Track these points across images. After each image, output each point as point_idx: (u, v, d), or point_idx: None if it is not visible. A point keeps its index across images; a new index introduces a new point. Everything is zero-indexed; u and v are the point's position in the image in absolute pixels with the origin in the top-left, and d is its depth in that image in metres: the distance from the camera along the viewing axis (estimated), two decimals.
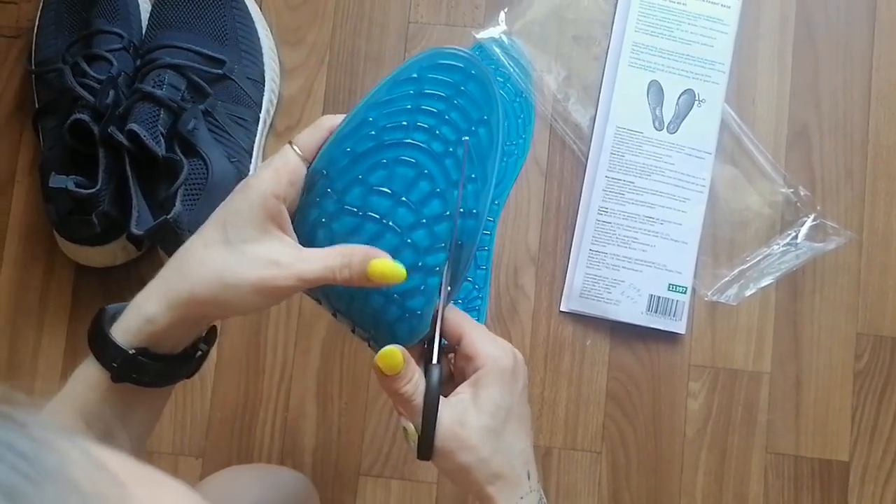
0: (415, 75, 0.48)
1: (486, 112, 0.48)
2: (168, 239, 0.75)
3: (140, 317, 0.46)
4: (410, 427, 0.49)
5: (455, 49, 0.48)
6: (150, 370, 0.46)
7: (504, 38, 0.84)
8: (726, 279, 0.83)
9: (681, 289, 0.82)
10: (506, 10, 0.85)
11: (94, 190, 0.73)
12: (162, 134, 0.75)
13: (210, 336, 0.51)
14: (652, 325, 0.82)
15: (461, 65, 0.48)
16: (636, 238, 0.82)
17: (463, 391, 0.49)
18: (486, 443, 0.48)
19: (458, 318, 0.51)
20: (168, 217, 0.72)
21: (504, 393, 0.49)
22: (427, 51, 0.48)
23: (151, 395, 0.48)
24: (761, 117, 0.85)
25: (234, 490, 0.68)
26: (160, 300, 0.46)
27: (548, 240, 0.84)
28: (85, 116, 0.74)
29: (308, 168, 0.49)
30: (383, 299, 0.49)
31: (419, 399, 0.48)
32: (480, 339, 0.50)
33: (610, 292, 0.82)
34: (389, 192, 0.48)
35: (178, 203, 0.73)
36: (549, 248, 0.84)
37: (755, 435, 0.82)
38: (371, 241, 0.48)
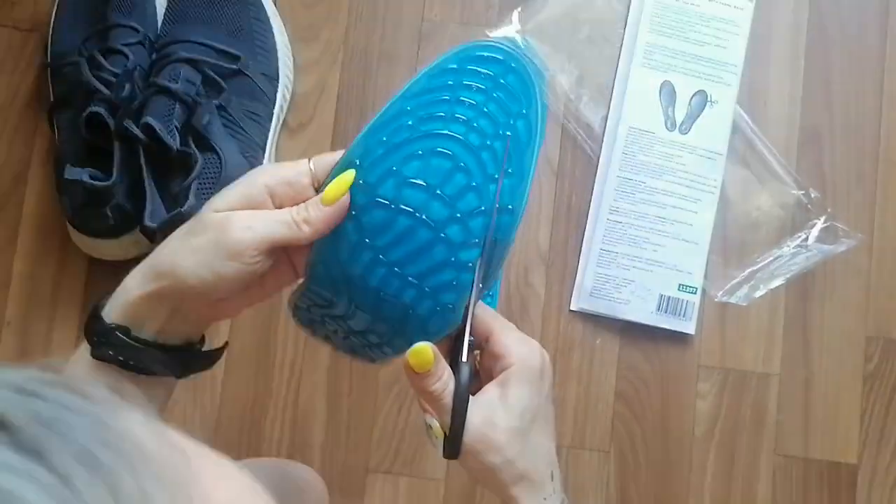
0: (454, 66, 0.47)
1: (525, 106, 0.47)
2: None
3: (121, 291, 0.46)
4: (436, 424, 0.48)
5: (495, 41, 0.48)
6: (126, 349, 0.46)
7: (517, 37, 0.85)
8: (736, 280, 0.83)
9: (691, 289, 0.82)
10: (519, 9, 0.85)
11: (108, 182, 0.73)
12: (176, 128, 0.75)
13: (218, 352, 0.51)
14: (662, 325, 0.82)
15: (501, 57, 0.47)
16: (647, 238, 0.82)
17: (491, 390, 0.48)
18: (513, 444, 0.47)
19: (487, 316, 0.50)
20: (182, 210, 0.72)
21: (532, 393, 0.48)
22: (467, 43, 0.47)
23: (147, 386, 0.48)
24: (773, 119, 0.85)
25: None
26: (137, 273, 0.46)
27: (558, 239, 0.84)
28: (101, 110, 0.74)
29: (340, 157, 0.48)
30: (416, 292, 0.48)
31: (448, 398, 0.47)
32: (510, 338, 0.49)
33: (620, 292, 0.82)
34: (424, 184, 0.46)
35: (191, 197, 0.74)
36: (559, 247, 0.84)
37: (764, 436, 0.82)
38: (403, 235, 0.47)
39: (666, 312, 0.82)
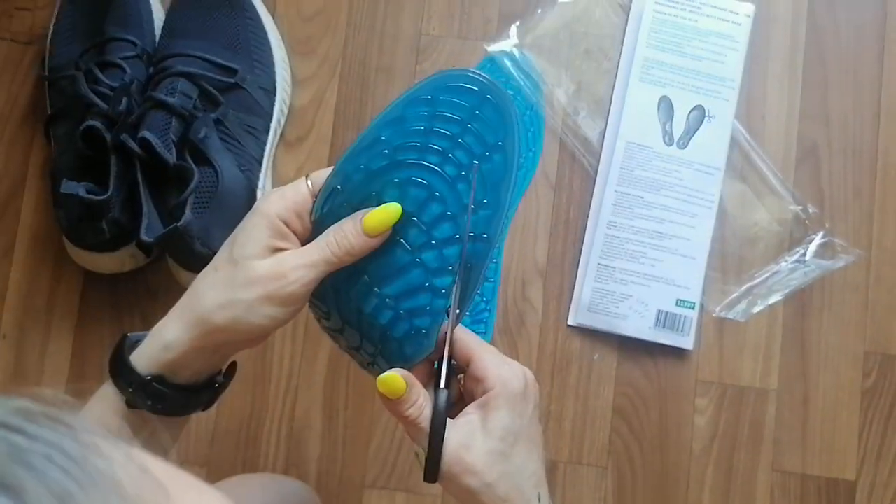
0: (428, 96, 0.47)
1: (502, 137, 0.48)
2: (177, 246, 0.75)
3: (158, 343, 0.47)
4: (421, 451, 0.49)
5: (470, 71, 0.47)
6: (165, 398, 0.47)
7: (515, 51, 0.85)
8: (734, 295, 0.83)
9: (689, 304, 0.82)
10: (517, 23, 0.85)
11: (105, 196, 0.73)
12: (173, 142, 0.75)
13: (230, 370, 0.52)
14: (659, 341, 0.82)
15: (476, 88, 0.47)
16: (645, 253, 0.82)
17: (471, 413, 0.49)
18: (492, 467, 0.47)
19: (468, 340, 0.50)
20: (178, 224, 0.72)
21: (514, 416, 0.48)
22: (442, 71, 0.48)
23: (169, 422, 0.49)
24: (771, 134, 0.85)
25: (240, 499, 0.68)
26: (177, 326, 0.46)
27: (556, 253, 0.84)
28: (97, 123, 0.74)
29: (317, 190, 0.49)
30: (392, 314, 0.49)
31: (425, 422, 0.47)
32: (490, 362, 0.49)
33: (618, 307, 0.82)
34: (402, 211, 0.48)
35: (188, 211, 0.74)
36: (557, 261, 0.84)
37: (762, 452, 0.81)
38: (383, 255, 0.48)
39: (664, 328, 0.82)
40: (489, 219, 0.48)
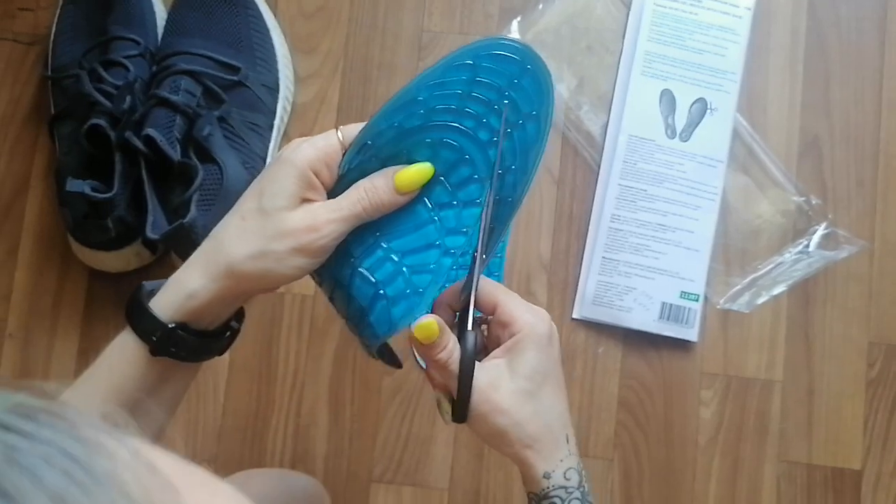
0: (470, 62, 0.48)
1: (537, 107, 0.49)
2: (183, 243, 0.75)
3: (181, 292, 0.47)
4: (443, 397, 0.50)
5: (513, 40, 0.48)
6: (188, 345, 0.47)
7: None
8: (738, 287, 0.83)
9: (693, 296, 0.82)
10: (519, 18, 0.85)
11: (110, 194, 0.73)
12: (177, 139, 0.76)
13: (239, 315, 0.52)
14: (664, 333, 0.82)
15: (517, 57, 0.48)
16: (648, 245, 0.82)
17: (498, 355, 0.50)
18: (521, 405, 0.48)
19: (490, 287, 0.51)
20: (183, 221, 0.72)
21: (541, 357, 0.49)
22: (486, 38, 0.49)
23: (184, 369, 0.50)
24: (773, 126, 0.85)
25: (248, 493, 0.68)
26: (202, 275, 0.46)
27: (560, 247, 0.84)
28: (102, 122, 0.74)
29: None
30: (392, 268, 0.50)
31: (454, 365, 0.48)
32: (516, 306, 0.50)
33: (622, 299, 0.82)
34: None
35: (192, 208, 0.74)
36: (561, 255, 0.84)
37: (767, 443, 0.82)
38: (403, 211, 0.49)
39: (668, 320, 0.82)
40: (515, 183, 0.49)
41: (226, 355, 0.82)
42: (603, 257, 0.82)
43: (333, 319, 0.82)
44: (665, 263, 0.82)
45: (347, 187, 0.48)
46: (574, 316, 0.83)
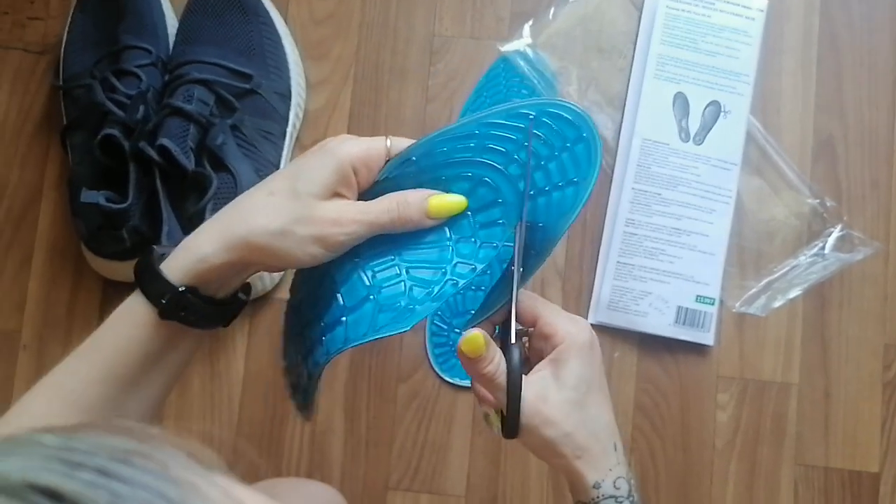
0: (532, 113, 0.49)
1: (583, 176, 0.49)
2: None
3: (192, 256, 0.47)
4: (492, 412, 0.50)
5: (577, 106, 0.49)
6: (196, 309, 0.47)
7: (528, 50, 0.84)
8: (753, 290, 0.83)
9: (709, 300, 0.82)
10: (530, 22, 0.85)
11: (125, 205, 0.73)
12: (191, 149, 0.75)
13: (245, 288, 0.52)
14: (680, 337, 0.82)
15: (578, 123, 0.49)
16: (663, 250, 0.82)
17: (543, 368, 0.50)
18: (569, 416, 0.48)
19: (530, 301, 0.51)
20: None
21: (585, 366, 0.49)
22: (552, 98, 0.51)
23: (190, 338, 0.50)
24: (786, 128, 0.85)
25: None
26: (216, 241, 0.47)
27: (574, 252, 0.84)
28: (115, 132, 0.74)
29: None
30: (396, 276, 0.50)
31: (501, 377, 0.48)
32: (557, 317, 0.50)
33: (638, 304, 0.82)
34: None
35: (207, 217, 0.73)
36: (575, 260, 0.83)
37: (784, 447, 0.81)
38: (422, 234, 0.50)
39: (684, 324, 0.82)
40: (541, 240, 0.50)
41: (240, 365, 0.82)
42: (618, 262, 0.82)
43: None
44: (680, 267, 0.82)
45: (379, 194, 0.49)
46: (589, 321, 0.82)
